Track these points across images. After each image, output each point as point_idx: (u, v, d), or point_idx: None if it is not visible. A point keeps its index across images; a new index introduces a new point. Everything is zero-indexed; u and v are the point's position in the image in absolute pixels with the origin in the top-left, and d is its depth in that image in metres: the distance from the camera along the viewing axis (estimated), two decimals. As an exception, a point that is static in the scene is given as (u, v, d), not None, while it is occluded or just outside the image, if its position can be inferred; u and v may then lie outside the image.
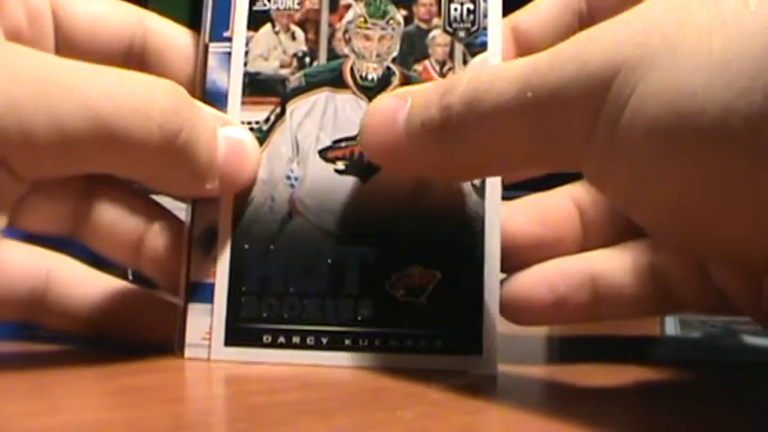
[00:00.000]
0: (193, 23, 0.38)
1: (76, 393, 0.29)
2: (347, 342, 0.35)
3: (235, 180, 0.35)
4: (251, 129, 0.36)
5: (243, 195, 0.36)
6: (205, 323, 0.35)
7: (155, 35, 0.37)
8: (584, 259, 0.37)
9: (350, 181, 0.36)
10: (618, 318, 0.38)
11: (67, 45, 0.36)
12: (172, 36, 0.38)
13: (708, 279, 0.36)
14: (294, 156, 0.36)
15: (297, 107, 0.36)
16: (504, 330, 0.34)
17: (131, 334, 0.36)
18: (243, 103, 0.36)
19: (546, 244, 0.37)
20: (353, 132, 0.36)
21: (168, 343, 0.35)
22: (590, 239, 0.38)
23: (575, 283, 0.37)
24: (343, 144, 0.36)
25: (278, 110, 0.36)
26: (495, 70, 0.31)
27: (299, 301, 0.35)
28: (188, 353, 0.35)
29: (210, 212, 0.36)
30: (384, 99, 0.34)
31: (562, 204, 0.38)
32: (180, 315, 0.35)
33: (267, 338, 0.35)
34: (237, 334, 0.35)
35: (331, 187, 0.36)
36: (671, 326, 0.45)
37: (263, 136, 0.36)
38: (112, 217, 0.37)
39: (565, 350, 0.44)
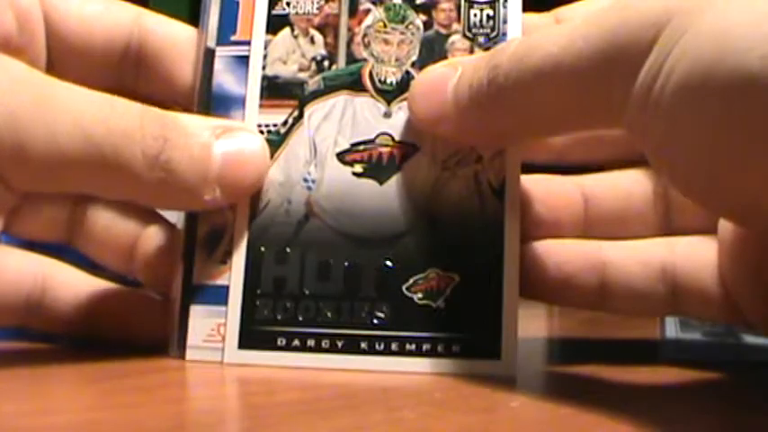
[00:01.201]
0: (194, 23, 0.37)
1: (76, 393, 0.30)
2: (363, 346, 0.34)
3: (237, 188, 0.34)
4: (269, 131, 0.36)
5: (259, 197, 0.36)
6: (208, 325, 0.35)
7: (154, 35, 0.37)
8: (596, 245, 0.37)
9: (367, 184, 0.35)
10: (623, 312, 0.38)
11: (60, 47, 0.36)
12: (172, 35, 0.37)
13: (720, 288, 0.35)
14: (312, 158, 0.36)
15: (315, 110, 0.36)
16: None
17: (129, 336, 0.36)
18: (261, 106, 0.36)
19: (542, 224, 0.37)
20: (372, 135, 0.36)
21: (165, 344, 0.35)
22: (593, 231, 0.38)
23: (584, 265, 0.37)
24: (361, 147, 0.36)
25: (296, 113, 0.36)
26: (545, 32, 0.31)
27: (315, 304, 0.35)
28: (190, 355, 0.35)
29: (214, 214, 0.36)
30: (434, 67, 0.35)
31: (567, 190, 0.38)
32: (176, 316, 0.35)
33: (282, 341, 0.35)
34: (252, 337, 0.35)
35: (348, 190, 0.35)
36: (671, 327, 0.44)
37: (280, 139, 0.36)
38: (106, 223, 0.37)
39: (565, 352, 0.44)
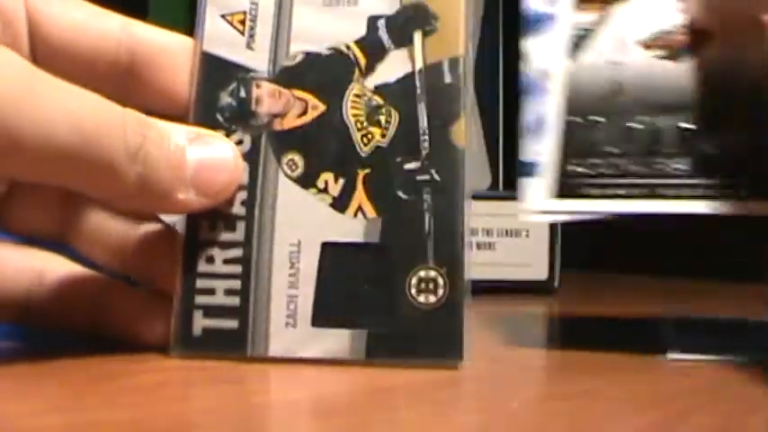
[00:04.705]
0: (192, 33, 0.37)
1: (76, 393, 0.29)
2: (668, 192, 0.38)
3: (210, 191, 0.34)
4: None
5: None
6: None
7: (145, 44, 0.36)
8: None
9: (667, 64, 0.39)
10: None
11: (45, 52, 0.35)
12: (164, 44, 0.37)
13: None
14: (618, 45, 0.39)
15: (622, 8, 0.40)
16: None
17: (128, 334, 0.36)
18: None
19: None
20: (669, 26, 0.39)
21: (164, 341, 0.35)
22: None
23: None
24: (660, 36, 0.39)
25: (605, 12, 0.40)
26: None
27: (621, 161, 0.38)
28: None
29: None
30: None
31: None
32: (177, 315, 0.35)
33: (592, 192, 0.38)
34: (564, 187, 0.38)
35: (650, 70, 0.39)
36: (671, 327, 0.44)
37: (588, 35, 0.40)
38: (97, 219, 0.37)
39: (565, 352, 0.43)
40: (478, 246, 0.66)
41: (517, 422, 0.27)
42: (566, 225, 0.66)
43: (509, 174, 0.88)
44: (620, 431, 0.26)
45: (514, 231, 0.66)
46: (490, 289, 0.62)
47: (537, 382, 0.35)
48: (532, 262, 0.67)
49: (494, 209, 0.66)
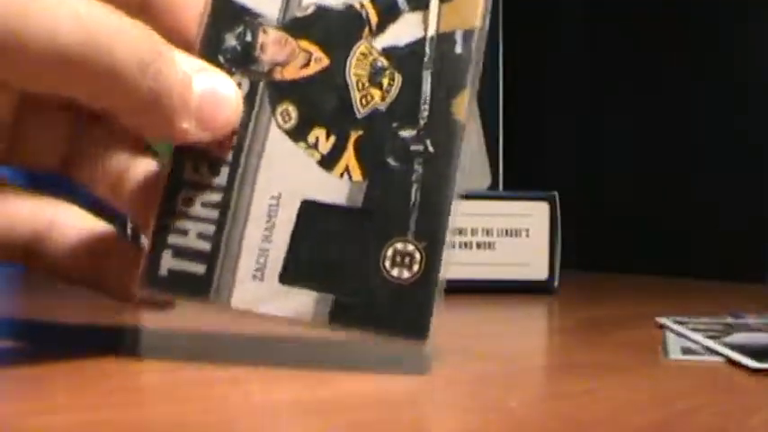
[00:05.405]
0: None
1: (75, 393, 0.29)
2: None
3: (211, 123, 0.34)
4: None
5: None
6: None
7: None
8: None
9: None
10: None
11: None
12: None
13: None
14: None
15: None
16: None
17: (125, 289, 0.35)
18: None
19: None
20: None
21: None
22: None
23: None
24: None
25: None
26: None
27: None
28: None
29: None
30: None
31: None
32: (146, 252, 0.34)
33: None
34: None
35: None
36: (671, 327, 0.44)
37: None
38: (101, 154, 0.36)
39: (564, 351, 0.43)
40: (478, 245, 0.66)
41: (517, 422, 0.27)
42: (565, 225, 0.66)
43: (509, 174, 0.88)
44: (619, 431, 0.26)
45: (514, 231, 0.66)
46: (489, 289, 0.62)
47: (537, 382, 0.35)
48: (532, 262, 0.67)
49: (494, 209, 0.66)
